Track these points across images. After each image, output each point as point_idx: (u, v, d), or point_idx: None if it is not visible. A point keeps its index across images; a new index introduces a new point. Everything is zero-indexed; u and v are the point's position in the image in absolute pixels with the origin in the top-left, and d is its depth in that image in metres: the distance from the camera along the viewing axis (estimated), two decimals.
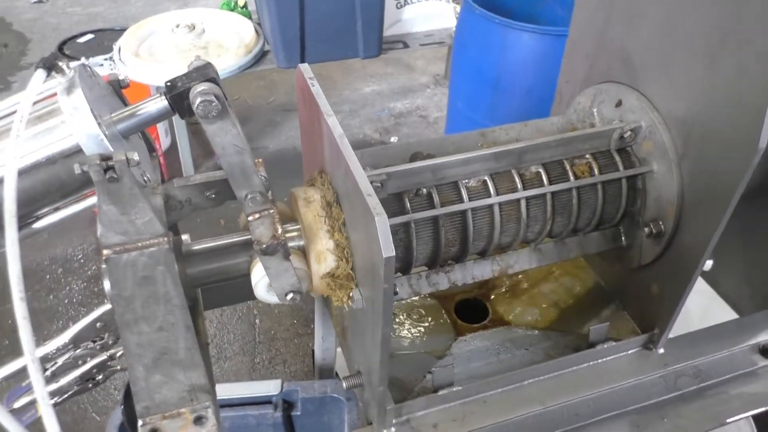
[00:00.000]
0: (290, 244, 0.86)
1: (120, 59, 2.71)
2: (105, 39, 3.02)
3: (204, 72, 0.69)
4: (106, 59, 2.74)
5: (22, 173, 0.61)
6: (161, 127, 3.13)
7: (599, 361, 1.03)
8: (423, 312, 1.16)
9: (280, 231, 0.78)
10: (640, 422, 1.04)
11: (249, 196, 0.78)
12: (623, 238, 1.04)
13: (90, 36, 3.05)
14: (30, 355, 0.65)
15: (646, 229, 0.96)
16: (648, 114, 0.93)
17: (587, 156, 0.96)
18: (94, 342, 0.97)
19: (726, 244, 1.16)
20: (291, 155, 3.32)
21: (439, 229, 0.88)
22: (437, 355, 1.08)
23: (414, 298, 1.19)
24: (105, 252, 0.68)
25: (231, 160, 0.74)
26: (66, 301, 2.56)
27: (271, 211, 0.80)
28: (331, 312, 1.21)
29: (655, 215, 0.95)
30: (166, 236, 0.70)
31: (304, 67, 0.90)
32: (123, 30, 2.84)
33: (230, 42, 2.81)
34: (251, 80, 3.79)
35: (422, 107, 3.74)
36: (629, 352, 1.04)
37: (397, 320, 1.14)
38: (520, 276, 1.22)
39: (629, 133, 0.94)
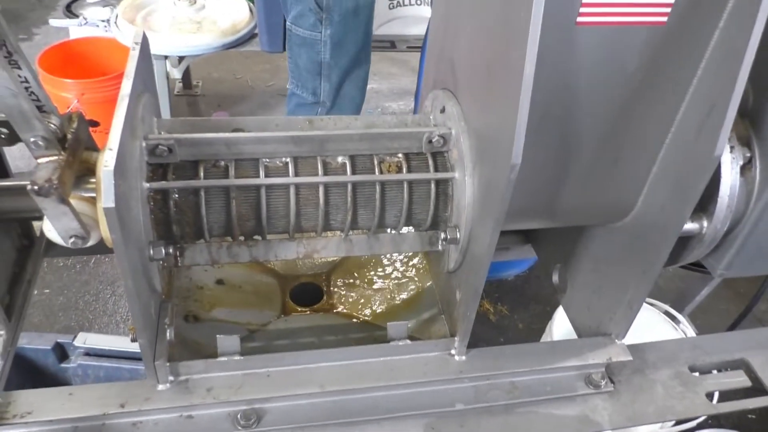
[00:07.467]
0: (88, 194, 0.91)
1: (116, 24, 2.83)
2: (112, 3, 3.16)
3: None
4: (102, 21, 2.87)
5: None
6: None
7: (395, 357, 1.04)
8: (257, 287, 1.20)
9: (57, 176, 0.84)
10: (437, 425, 1.06)
11: (32, 140, 0.84)
12: (440, 243, 1.06)
13: None
14: None
15: (442, 234, 0.98)
16: (459, 123, 0.95)
17: (399, 155, 0.99)
18: None
19: (579, 273, 1.18)
20: None
21: (230, 201, 0.92)
22: (252, 329, 1.12)
23: (256, 276, 1.24)
24: None
25: (7, 102, 0.80)
26: None
27: (57, 157, 0.86)
28: None
29: (455, 222, 0.97)
30: None
31: (138, 32, 0.95)
32: None
33: (224, 21, 2.90)
34: (258, 63, 3.89)
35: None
36: (429, 354, 1.06)
37: (226, 289, 1.19)
38: (360, 273, 1.25)
39: (437, 138, 0.96)
